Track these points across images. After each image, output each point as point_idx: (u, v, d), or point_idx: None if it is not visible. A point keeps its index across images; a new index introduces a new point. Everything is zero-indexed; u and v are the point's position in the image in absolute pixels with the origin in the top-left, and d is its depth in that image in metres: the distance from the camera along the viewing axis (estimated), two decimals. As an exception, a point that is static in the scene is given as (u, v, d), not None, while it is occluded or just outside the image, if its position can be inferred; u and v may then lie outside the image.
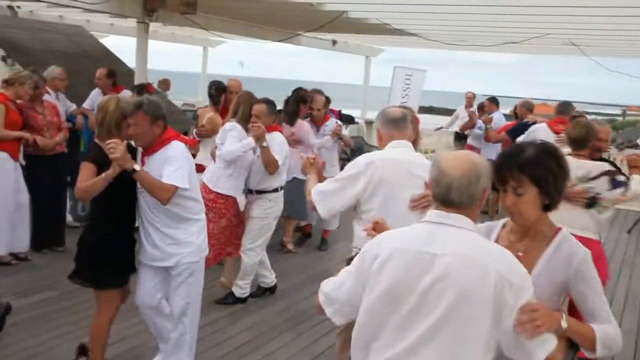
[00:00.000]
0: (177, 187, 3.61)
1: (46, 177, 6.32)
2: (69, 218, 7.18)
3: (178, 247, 3.85)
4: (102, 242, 3.78)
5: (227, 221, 5.35)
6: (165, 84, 12.16)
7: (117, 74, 7.75)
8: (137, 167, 3.55)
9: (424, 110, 30.31)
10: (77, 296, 5.48)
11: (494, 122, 8.19)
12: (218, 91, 6.46)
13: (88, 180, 3.57)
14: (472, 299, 1.90)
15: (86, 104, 7.65)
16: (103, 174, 3.51)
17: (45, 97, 6.90)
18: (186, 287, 3.93)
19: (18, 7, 10.73)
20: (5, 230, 5.90)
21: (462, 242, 1.98)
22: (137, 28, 8.07)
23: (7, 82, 5.87)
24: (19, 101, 6.10)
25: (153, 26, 13.06)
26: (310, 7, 7.44)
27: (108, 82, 7.57)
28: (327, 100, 7.52)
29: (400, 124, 3.55)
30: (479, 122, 9.11)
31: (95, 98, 7.63)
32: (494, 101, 9.87)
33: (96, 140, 3.77)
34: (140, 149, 3.83)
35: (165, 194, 3.59)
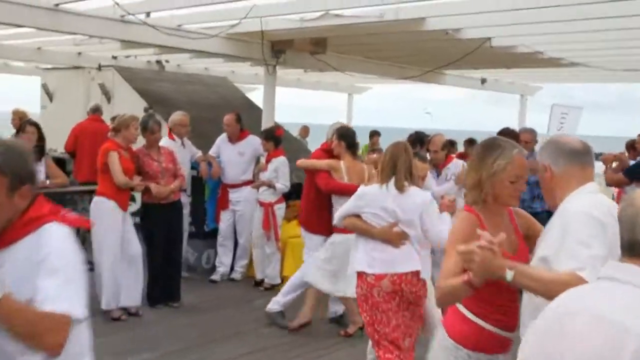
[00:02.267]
0: (71, 320, 1.90)
1: (161, 226, 5.99)
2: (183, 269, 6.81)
3: None
4: None
5: None
6: (304, 131, 11.87)
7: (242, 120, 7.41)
8: None
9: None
10: (179, 358, 5.01)
11: None
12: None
13: None
14: None
15: (212, 151, 7.37)
16: None
17: (169, 142, 6.74)
18: None
19: (167, 61, 11.07)
20: (113, 283, 5.59)
21: (611, 301, 1.50)
22: (264, 71, 7.73)
23: (115, 130, 5.67)
24: (133, 147, 5.92)
25: (295, 73, 13.05)
26: (445, 36, 6.60)
27: (237, 127, 7.26)
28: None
29: (585, 158, 2.46)
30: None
31: (220, 144, 7.36)
32: None
33: None
34: None
35: (53, 337, 1.87)
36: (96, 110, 8.53)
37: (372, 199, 4.15)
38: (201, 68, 11.85)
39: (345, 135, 5.46)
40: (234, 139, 7.26)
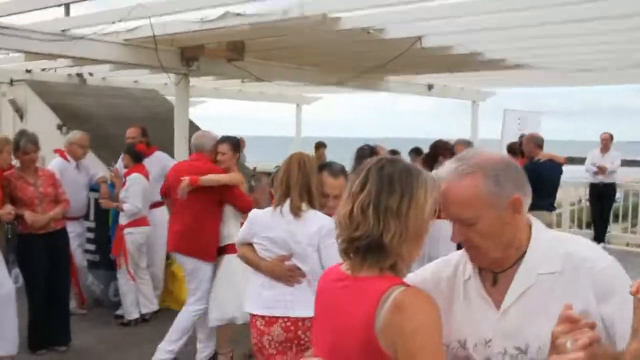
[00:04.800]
0: None
1: (41, 259, 5.18)
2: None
3: None
4: None
5: None
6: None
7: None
8: None
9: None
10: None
11: None
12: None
13: None
14: None
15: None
16: None
17: (60, 164, 6.02)
18: None
19: (90, 74, 10.24)
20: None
21: None
22: (175, 81, 6.96)
23: None
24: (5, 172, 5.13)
25: (237, 84, 12.28)
26: (368, 36, 5.91)
27: (142, 142, 6.54)
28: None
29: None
30: None
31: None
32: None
33: None
34: None
35: None
36: None
37: (263, 225, 3.40)
38: (130, 81, 11.03)
39: (237, 145, 4.97)
40: (139, 156, 6.49)
